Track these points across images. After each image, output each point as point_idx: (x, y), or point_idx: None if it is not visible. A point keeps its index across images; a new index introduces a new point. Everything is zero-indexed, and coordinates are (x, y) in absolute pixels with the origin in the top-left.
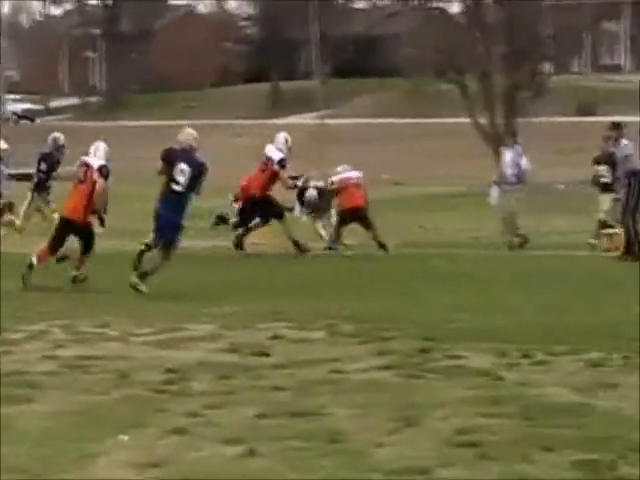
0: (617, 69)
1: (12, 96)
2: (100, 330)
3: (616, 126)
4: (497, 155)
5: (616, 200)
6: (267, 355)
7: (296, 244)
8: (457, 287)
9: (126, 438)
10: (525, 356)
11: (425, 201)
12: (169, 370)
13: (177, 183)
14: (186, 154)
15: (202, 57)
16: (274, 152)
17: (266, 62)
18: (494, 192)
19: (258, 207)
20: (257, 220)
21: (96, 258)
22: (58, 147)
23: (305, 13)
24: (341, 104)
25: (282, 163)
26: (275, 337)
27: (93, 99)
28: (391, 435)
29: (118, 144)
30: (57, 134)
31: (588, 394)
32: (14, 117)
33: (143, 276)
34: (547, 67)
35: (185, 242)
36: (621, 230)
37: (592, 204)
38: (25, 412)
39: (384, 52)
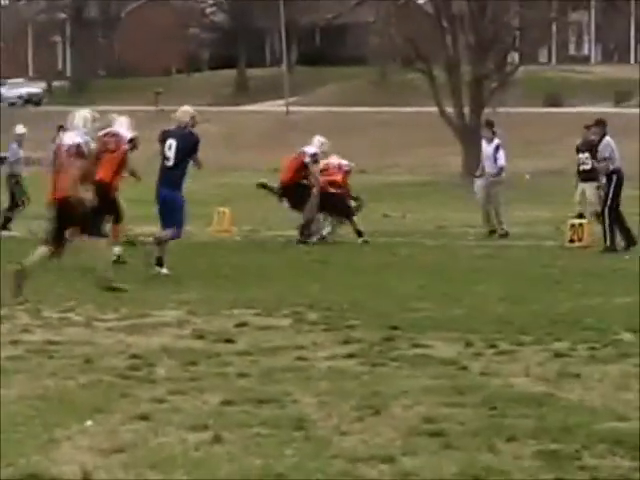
0: (585, 60)
1: (17, 80)
2: (65, 315)
3: (600, 123)
4: (464, 145)
5: (598, 188)
6: (233, 342)
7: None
8: (422, 276)
9: (91, 423)
10: (490, 346)
11: (391, 190)
12: (134, 356)
13: (167, 159)
14: (177, 130)
15: (169, 43)
16: (309, 147)
17: (233, 49)
18: (477, 184)
19: (290, 195)
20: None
21: None
22: None
23: (272, 0)
24: (307, 92)
25: (314, 157)
26: (241, 324)
27: (59, 84)
28: (356, 423)
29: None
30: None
31: (552, 384)
32: (20, 101)
33: (159, 261)
34: (514, 58)
35: (154, 229)
36: (588, 222)
37: (559, 195)
38: None
39: (351, 41)
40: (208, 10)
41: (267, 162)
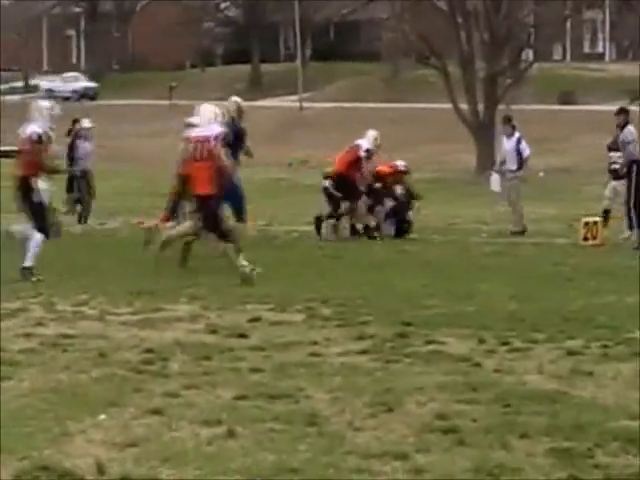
0: (599, 58)
1: (72, 74)
2: (78, 309)
3: (622, 111)
4: (477, 142)
5: None
6: (246, 337)
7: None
8: (433, 273)
9: (104, 417)
10: (503, 343)
11: None
12: (148, 350)
13: None
14: (224, 125)
15: (183, 37)
16: (364, 142)
17: (247, 44)
18: (494, 180)
19: (340, 185)
20: (346, 204)
21: (72, 237)
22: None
23: None
24: (321, 87)
25: (368, 153)
26: (254, 319)
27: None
28: (369, 419)
29: (98, 123)
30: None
31: (565, 382)
32: (75, 95)
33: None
34: (529, 55)
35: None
36: (601, 219)
37: (571, 192)
38: (3, 390)
39: (365, 37)
40: (222, 5)
41: (280, 157)
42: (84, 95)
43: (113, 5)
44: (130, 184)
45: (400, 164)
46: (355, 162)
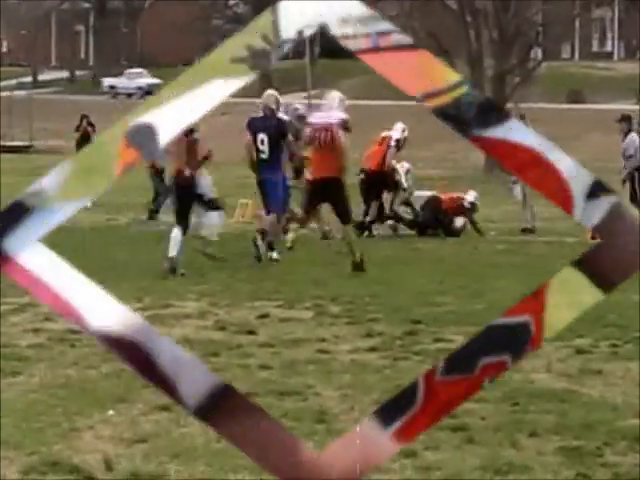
0: (608, 56)
1: (136, 70)
2: None
3: (625, 118)
4: None
5: None
6: (254, 333)
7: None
8: (443, 271)
9: (112, 413)
10: None
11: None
12: None
13: (262, 152)
14: (264, 121)
15: (191, 34)
16: (393, 133)
17: None
18: (517, 191)
19: (374, 183)
20: (384, 195)
21: (81, 232)
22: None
23: None
24: (330, 85)
25: (398, 143)
26: (263, 316)
27: (82, 73)
28: None
29: (106, 119)
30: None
31: (574, 381)
32: (140, 92)
33: (270, 245)
34: (537, 53)
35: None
36: None
37: None
38: (13, 385)
39: None
40: (231, 2)
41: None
42: (149, 92)
43: (122, 1)
44: (139, 180)
45: (468, 198)
46: (386, 156)
